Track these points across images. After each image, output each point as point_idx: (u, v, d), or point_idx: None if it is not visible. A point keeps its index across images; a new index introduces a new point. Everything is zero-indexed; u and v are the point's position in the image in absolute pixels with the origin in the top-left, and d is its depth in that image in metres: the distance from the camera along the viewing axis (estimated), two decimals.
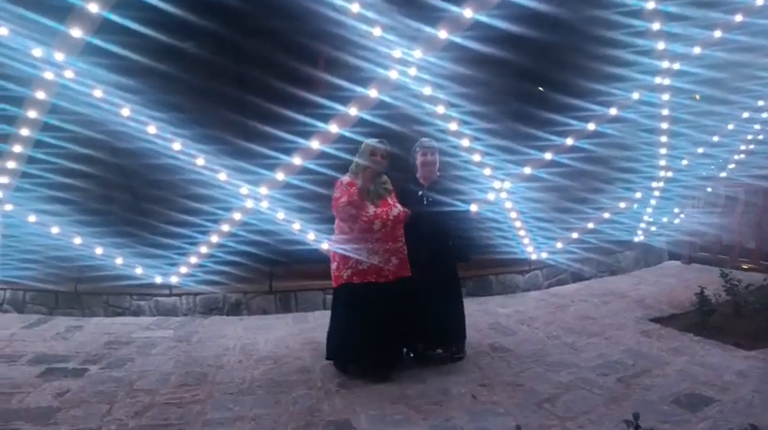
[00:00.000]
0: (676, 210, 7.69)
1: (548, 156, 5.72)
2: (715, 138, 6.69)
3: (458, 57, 4.75)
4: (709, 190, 7.43)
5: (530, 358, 4.41)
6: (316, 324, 5.40)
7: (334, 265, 4.08)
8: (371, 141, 4.09)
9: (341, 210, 3.98)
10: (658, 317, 5.37)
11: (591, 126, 5.71)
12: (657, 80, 5.72)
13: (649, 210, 7.19)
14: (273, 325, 5.41)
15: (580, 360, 4.35)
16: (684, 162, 6.78)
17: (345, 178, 4.07)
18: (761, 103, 6.67)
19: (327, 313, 5.72)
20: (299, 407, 3.62)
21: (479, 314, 5.58)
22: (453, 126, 5.09)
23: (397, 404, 3.63)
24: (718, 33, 5.70)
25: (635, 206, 7.12)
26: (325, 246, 5.40)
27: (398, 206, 4.09)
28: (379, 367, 4.03)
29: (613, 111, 5.69)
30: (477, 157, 5.37)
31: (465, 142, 5.27)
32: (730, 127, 6.79)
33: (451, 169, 5.37)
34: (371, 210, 3.96)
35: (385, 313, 3.98)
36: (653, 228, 7.70)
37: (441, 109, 4.98)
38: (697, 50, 5.74)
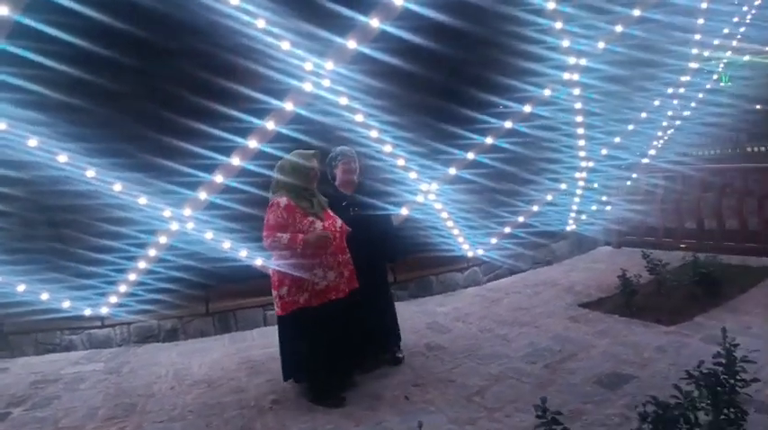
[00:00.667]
0: (604, 199, 8.00)
1: (470, 155, 5.87)
2: (630, 127, 7.02)
3: (368, 69, 4.82)
4: (634, 175, 7.77)
5: (463, 353, 4.49)
6: (253, 342, 5.35)
7: (284, 290, 3.72)
8: (303, 152, 3.88)
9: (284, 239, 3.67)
10: (586, 302, 5.57)
11: (508, 124, 5.90)
12: (566, 76, 5.96)
13: (577, 199, 7.46)
14: (210, 347, 5.31)
15: (510, 350, 4.47)
16: (604, 152, 7.08)
17: (282, 199, 3.73)
18: (670, 90, 7.05)
19: (268, 330, 5.73)
20: (230, 428, 3.57)
21: (418, 315, 5.64)
22: (374, 133, 5.15)
23: (329, 414, 3.64)
24: (619, 28, 6.01)
25: (563, 197, 7.36)
26: (259, 262, 5.38)
27: (337, 217, 3.93)
28: (337, 389, 3.84)
29: (528, 108, 5.91)
30: (401, 162, 5.46)
31: (387, 148, 5.35)
32: (643, 115, 7.15)
33: (379, 173, 5.46)
34: (319, 224, 3.72)
35: (343, 329, 3.81)
36: (583, 217, 7.99)
37: (359, 117, 5.03)
38: (601, 45, 6.03)
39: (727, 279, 5.75)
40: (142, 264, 5.34)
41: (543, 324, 5.03)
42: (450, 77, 5.48)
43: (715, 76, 9.09)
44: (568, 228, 7.96)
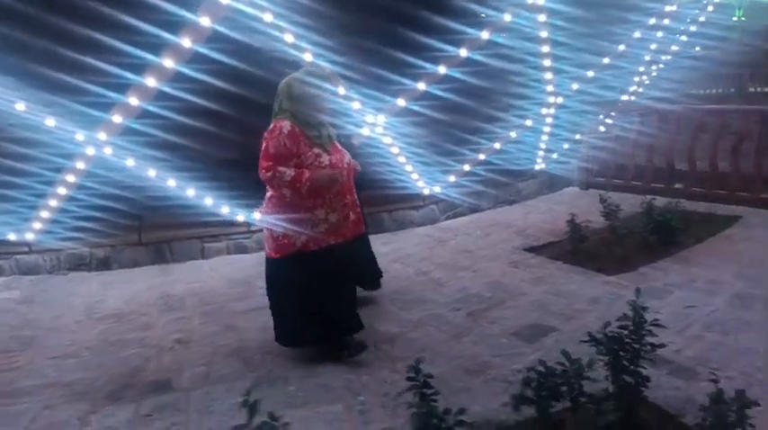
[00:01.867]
0: (577, 137, 7.60)
1: (421, 86, 5.39)
2: (605, 60, 6.49)
3: None
4: (610, 114, 7.32)
5: (389, 297, 4.27)
6: (180, 275, 5.13)
7: (278, 231, 3.19)
8: (316, 70, 3.30)
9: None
10: (534, 246, 5.31)
11: (463, 52, 5.37)
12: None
13: (545, 137, 7.05)
14: (135, 278, 5.10)
15: (440, 296, 4.25)
16: (575, 86, 6.59)
17: (285, 123, 3.12)
18: (652, 20, 6.46)
19: (203, 263, 5.53)
20: (124, 368, 3.38)
21: None
22: (308, 57, 4.66)
23: (230, 357, 3.44)
24: None
25: (530, 134, 6.95)
26: (257, 215, 4.98)
27: (346, 152, 3.36)
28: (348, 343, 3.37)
29: (485, 35, 5.34)
30: (341, 90, 4.99)
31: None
32: (621, 47, 6.60)
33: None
34: (326, 158, 3.18)
35: (345, 279, 3.35)
36: (554, 156, 7.63)
37: (289, 37, 4.53)
38: None
39: (686, 227, 5.47)
40: (62, 190, 5.02)
41: (482, 268, 4.79)
42: None
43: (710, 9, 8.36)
44: (537, 167, 7.63)
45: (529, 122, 6.50)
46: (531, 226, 6.01)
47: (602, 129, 7.40)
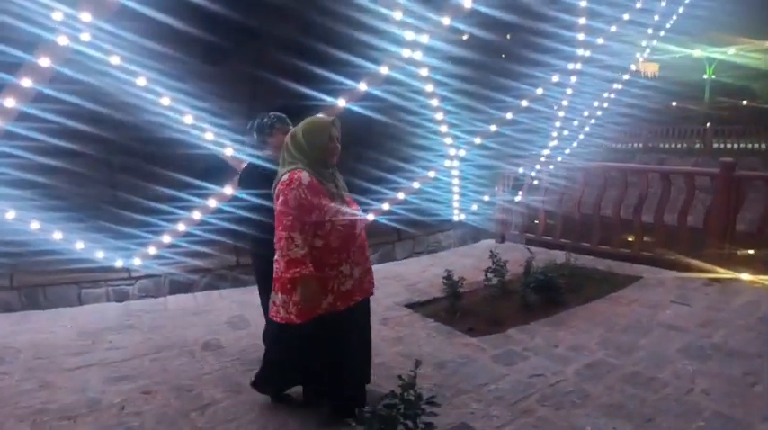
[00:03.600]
0: (497, 189, 7.55)
1: None
2: (508, 115, 6.48)
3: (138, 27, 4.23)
4: (520, 170, 7.28)
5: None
6: (37, 324, 4.83)
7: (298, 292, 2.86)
8: (319, 120, 3.03)
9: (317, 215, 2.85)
10: (415, 302, 5.13)
11: (341, 104, 5.27)
12: (406, 53, 5.28)
13: (456, 189, 6.97)
14: None
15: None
16: (477, 140, 6.54)
17: (303, 174, 2.84)
18: (555, 78, 6.51)
19: (73, 310, 5.22)
20: None
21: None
22: (166, 101, 4.52)
23: (22, 422, 3.17)
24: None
25: (442, 185, 6.88)
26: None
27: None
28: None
29: (363, 87, 5.24)
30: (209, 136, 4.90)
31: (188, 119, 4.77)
32: (524, 103, 6.63)
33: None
34: (348, 210, 2.97)
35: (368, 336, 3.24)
36: (474, 207, 7.57)
37: (142, 81, 4.41)
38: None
39: (578, 286, 5.36)
40: None
41: None
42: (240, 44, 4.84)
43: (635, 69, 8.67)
44: (456, 219, 7.55)
45: (432, 174, 6.38)
46: (425, 280, 5.83)
47: (518, 183, 7.35)
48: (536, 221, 7.08)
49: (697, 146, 21.17)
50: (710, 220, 5.46)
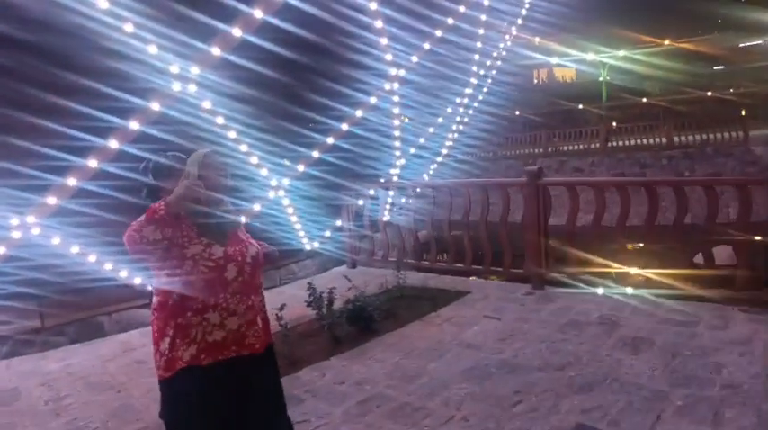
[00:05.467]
0: (342, 215, 7.41)
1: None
2: (329, 140, 6.36)
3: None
4: (361, 200, 7.19)
5: None
6: None
7: (166, 342, 2.51)
8: (205, 150, 2.67)
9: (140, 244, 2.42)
10: None
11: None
12: None
13: (294, 219, 6.76)
14: None
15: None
16: (301, 168, 6.34)
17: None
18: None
19: None
20: None
21: None
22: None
23: None
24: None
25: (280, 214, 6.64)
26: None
27: (253, 242, 2.76)
28: None
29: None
30: None
31: None
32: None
33: None
34: (218, 250, 2.56)
35: (256, 401, 2.65)
36: (327, 234, 7.37)
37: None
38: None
39: (398, 308, 5.22)
40: None
41: (127, 385, 4.17)
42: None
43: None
44: (308, 247, 7.32)
45: (257, 207, 6.09)
46: None
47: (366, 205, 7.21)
48: (379, 245, 6.95)
49: (593, 146, 22.01)
50: (526, 226, 5.46)
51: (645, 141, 21.25)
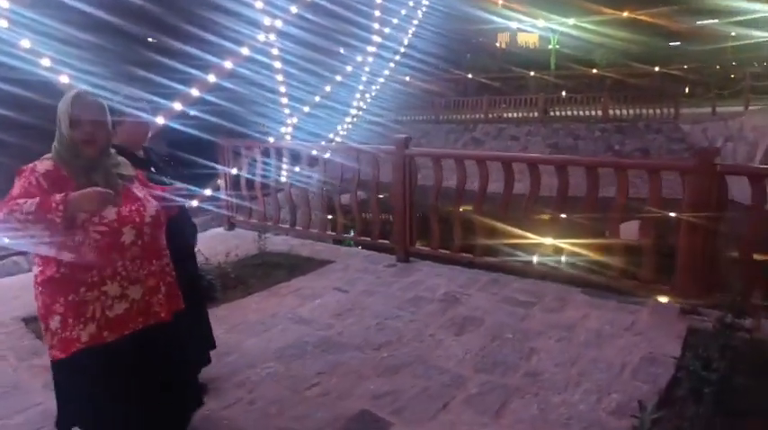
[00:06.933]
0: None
1: None
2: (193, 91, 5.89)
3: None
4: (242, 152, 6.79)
5: None
6: None
7: (56, 320, 2.15)
8: (75, 91, 2.26)
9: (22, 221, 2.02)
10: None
11: None
12: None
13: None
14: None
15: None
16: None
17: (46, 162, 2.19)
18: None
19: None
20: None
21: None
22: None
23: None
24: None
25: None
26: None
27: (151, 199, 2.37)
28: None
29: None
30: None
31: None
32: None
33: None
34: (111, 212, 2.17)
35: (166, 370, 2.38)
36: (207, 193, 6.96)
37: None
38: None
39: (250, 277, 4.95)
40: None
41: None
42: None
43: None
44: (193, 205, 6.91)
45: None
46: None
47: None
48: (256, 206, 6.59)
49: (531, 115, 21.96)
50: (393, 195, 5.22)
51: (582, 113, 21.29)
